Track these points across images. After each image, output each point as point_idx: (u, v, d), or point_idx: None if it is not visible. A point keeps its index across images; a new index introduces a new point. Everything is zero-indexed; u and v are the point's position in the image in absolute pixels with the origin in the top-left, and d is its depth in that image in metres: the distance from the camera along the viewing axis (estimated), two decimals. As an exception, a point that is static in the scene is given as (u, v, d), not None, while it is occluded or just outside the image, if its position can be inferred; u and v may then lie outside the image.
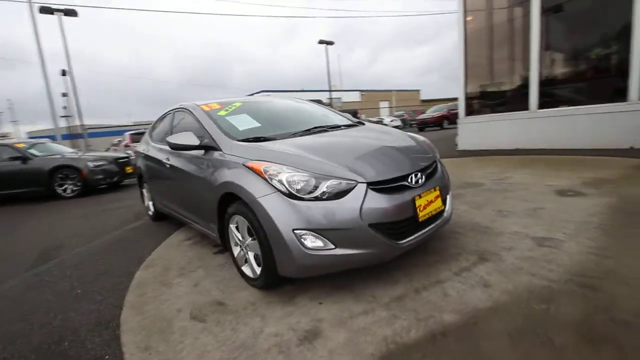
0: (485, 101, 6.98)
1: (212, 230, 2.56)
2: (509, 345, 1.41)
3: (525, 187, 3.75)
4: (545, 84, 5.88)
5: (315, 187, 1.82)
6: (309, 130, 2.62)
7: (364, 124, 3.05)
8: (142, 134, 11.84)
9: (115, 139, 15.49)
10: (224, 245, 2.47)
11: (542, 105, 5.96)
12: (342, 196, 1.81)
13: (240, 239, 2.20)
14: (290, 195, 1.82)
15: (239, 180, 2.02)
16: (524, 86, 6.08)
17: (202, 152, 2.54)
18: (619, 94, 5.01)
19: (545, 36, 5.69)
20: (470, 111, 7.10)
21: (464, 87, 6.96)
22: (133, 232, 3.88)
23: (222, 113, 2.80)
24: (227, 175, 2.15)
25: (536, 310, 1.61)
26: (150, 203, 4.16)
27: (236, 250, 2.32)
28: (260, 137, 2.39)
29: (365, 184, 1.85)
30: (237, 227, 2.23)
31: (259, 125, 2.68)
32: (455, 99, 7.91)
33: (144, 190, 4.30)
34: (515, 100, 6.39)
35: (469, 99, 7.04)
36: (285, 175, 1.86)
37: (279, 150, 2.11)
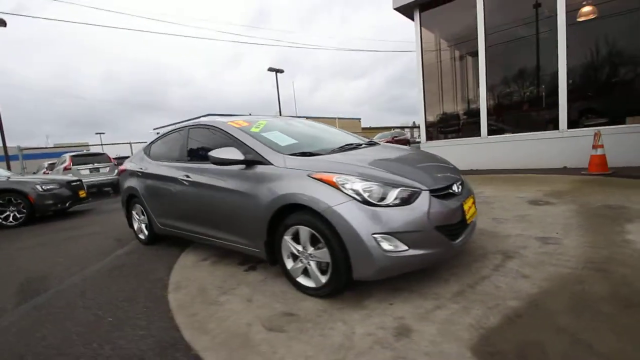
0: (443, 129, 7.89)
1: (254, 246, 2.55)
2: (574, 317, 1.71)
3: (500, 199, 4.36)
4: (493, 114, 6.92)
5: (385, 195, 2.01)
6: (342, 147, 2.82)
7: (378, 143, 3.34)
8: (86, 155, 10.76)
9: (45, 162, 13.66)
10: (270, 259, 2.47)
11: (491, 132, 6.97)
12: (411, 202, 2.02)
13: (300, 250, 2.25)
14: (366, 203, 1.97)
15: (308, 191, 2.11)
16: (476, 116, 7.07)
17: (240, 167, 2.56)
18: (552, 124, 6.14)
19: (491, 75, 6.76)
20: (430, 137, 7.94)
21: (424, 117, 7.80)
22: (129, 257, 3.55)
23: (255, 130, 2.86)
24: (288, 187, 2.22)
25: (576, 290, 1.96)
26: (144, 225, 3.87)
27: (289, 263, 2.35)
28: (306, 152, 2.52)
29: (428, 192, 2.09)
30: (292, 239, 2.28)
31: (296, 141, 2.80)
32: (390, 128, 8.77)
33: (135, 212, 3.99)
34: (468, 128, 7.36)
35: (428, 127, 7.89)
36: (360, 185, 2.02)
37: (340, 162, 2.27)
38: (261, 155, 2.49)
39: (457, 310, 1.89)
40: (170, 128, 3.74)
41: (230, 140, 2.74)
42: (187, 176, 3.04)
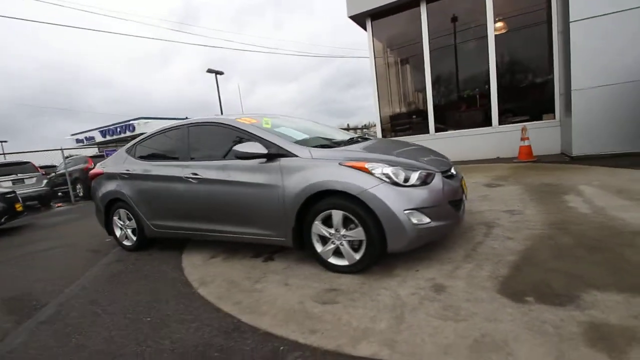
0: (396, 127, 8.64)
1: (279, 235, 2.69)
2: (560, 261, 2.24)
3: (460, 185, 5.06)
4: (438, 114, 7.83)
5: (408, 177, 2.35)
6: (351, 140, 3.11)
7: (372, 138, 3.69)
8: (7, 164, 9.27)
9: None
10: (298, 245, 2.64)
11: (437, 129, 7.88)
12: (429, 182, 2.39)
13: (331, 232, 2.46)
14: (394, 184, 2.29)
15: (342, 178, 2.34)
16: (424, 116, 7.92)
17: (260, 160, 2.68)
18: (487, 121, 7.22)
19: (435, 79, 7.66)
20: (384, 135, 8.63)
21: (379, 116, 8.46)
22: (122, 264, 3.35)
23: (267, 126, 2.99)
24: (320, 176, 2.42)
25: (551, 244, 2.53)
26: (130, 231, 3.67)
27: (319, 247, 2.55)
28: (324, 145, 2.75)
29: (440, 173, 2.49)
30: (322, 223, 2.49)
31: (307, 136, 3.00)
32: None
33: (116, 218, 3.74)
34: (418, 125, 8.20)
35: (383, 124, 8.58)
36: (389, 169, 2.32)
37: (361, 152, 2.55)
38: (284, 149, 2.64)
39: (472, 268, 2.31)
40: (157, 128, 3.62)
41: (246, 136, 2.82)
42: (195, 174, 3.03)
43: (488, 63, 6.89)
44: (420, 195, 2.30)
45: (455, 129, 7.70)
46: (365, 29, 8.07)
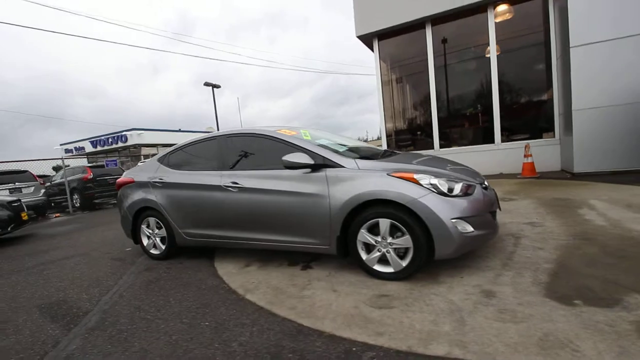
0: (400, 142, 8.89)
1: (322, 243, 2.77)
2: (593, 268, 2.39)
3: (472, 199, 5.25)
4: (443, 130, 8.12)
5: (452, 188, 2.49)
6: (385, 152, 3.26)
7: (398, 152, 3.85)
8: (4, 173, 9.05)
9: None
10: (341, 253, 2.73)
11: (442, 146, 8.16)
12: (470, 194, 2.53)
13: (377, 240, 2.56)
14: (441, 194, 2.42)
15: (393, 187, 2.46)
16: (429, 132, 8.20)
17: (304, 171, 2.79)
18: (490, 138, 7.53)
19: (440, 98, 7.98)
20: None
21: (385, 132, 8.70)
22: (155, 272, 3.35)
23: (307, 138, 3.11)
24: (369, 185, 2.54)
25: (580, 253, 2.69)
26: (158, 239, 3.68)
27: (364, 254, 2.64)
28: (365, 157, 2.89)
29: (479, 185, 2.64)
30: (368, 231, 2.59)
31: (346, 148, 3.14)
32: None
33: (144, 227, 3.75)
34: (423, 141, 8.47)
35: (388, 140, 8.82)
36: (436, 180, 2.46)
37: (403, 163, 2.69)
38: (330, 160, 2.76)
39: (514, 275, 2.43)
40: (190, 139, 3.70)
41: (290, 147, 2.93)
42: (235, 183, 3.10)
43: (491, 83, 7.26)
44: (464, 205, 2.44)
45: (458, 146, 7.98)
46: (371, 48, 8.40)
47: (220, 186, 3.19)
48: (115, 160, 10.86)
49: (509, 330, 1.80)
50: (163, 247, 3.67)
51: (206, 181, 3.29)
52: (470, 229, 2.43)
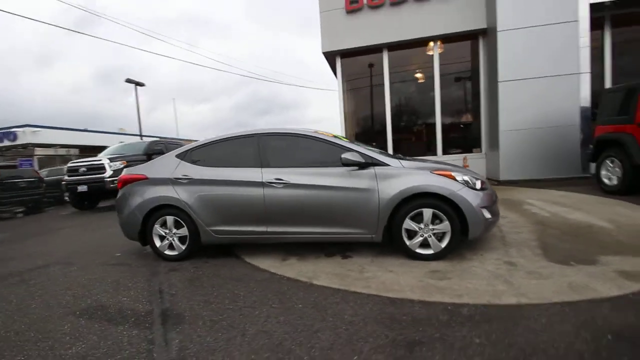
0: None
1: (369, 232, 3.13)
2: (560, 240, 3.29)
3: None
4: (395, 143, 9.16)
5: (475, 183, 3.15)
6: (403, 158, 3.80)
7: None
8: None
9: None
10: (386, 241, 3.13)
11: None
12: (486, 188, 3.23)
13: (421, 226, 3.05)
14: (471, 188, 3.05)
15: (436, 182, 3.00)
16: (384, 143, 9.14)
17: (351, 168, 3.14)
18: (433, 151, 8.81)
19: (393, 115, 9.03)
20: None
21: (342, 141, 9.36)
22: (186, 272, 3.21)
23: (345, 139, 3.47)
24: (416, 181, 3.02)
25: (550, 233, 3.62)
26: (177, 239, 3.53)
27: (407, 240, 3.09)
28: (400, 157, 3.38)
29: (488, 181, 3.37)
30: (411, 219, 3.06)
31: (378, 150, 3.58)
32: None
33: (158, 226, 3.53)
34: (376, 151, 9.38)
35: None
36: (467, 177, 3.09)
37: (434, 163, 3.26)
38: (377, 159, 3.17)
39: (517, 251, 3.18)
40: (217, 136, 3.67)
41: (337, 148, 3.24)
42: (279, 179, 3.25)
43: (434, 104, 8.58)
44: (485, 196, 3.11)
45: (408, 156, 9.10)
46: (334, 64, 9.08)
47: (262, 182, 3.28)
48: (30, 160, 9.12)
49: (545, 283, 2.46)
50: (183, 247, 3.51)
51: (246, 177, 3.34)
52: (489, 215, 3.10)
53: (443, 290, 2.48)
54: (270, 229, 3.33)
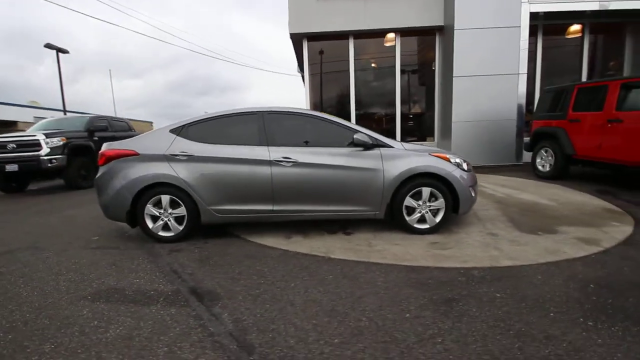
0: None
1: (372, 209, 3.36)
2: (519, 214, 3.91)
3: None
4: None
5: (463, 164, 3.54)
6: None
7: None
8: None
9: None
10: (389, 217, 3.38)
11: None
12: (471, 170, 3.65)
13: (419, 203, 3.35)
14: (462, 169, 3.44)
15: (434, 163, 3.31)
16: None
17: (357, 149, 3.31)
18: (393, 137, 9.34)
19: (358, 100, 9.33)
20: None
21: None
22: (190, 253, 3.09)
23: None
24: (418, 162, 3.30)
25: (511, 210, 4.24)
26: (173, 219, 3.35)
27: (407, 216, 3.38)
28: (399, 141, 3.63)
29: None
30: (411, 197, 3.35)
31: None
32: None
33: (151, 206, 3.30)
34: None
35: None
36: (458, 159, 3.46)
37: (430, 147, 3.57)
38: (381, 141, 3.38)
39: (492, 224, 3.68)
40: (217, 112, 3.51)
41: (343, 129, 3.39)
42: (287, 157, 3.26)
43: (395, 94, 9.09)
44: (471, 176, 3.53)
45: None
46: (300, 46, 8.99)
47: (270, 160, 3.26)
48: None
49: (526, 248, 2.95)
50: (180, 227, 3.34)
51: (252, 155, 3.28)
52: (474, 193, 3.54)
53: (449, 257, 2.81)
54: (276, 207, 3.34)
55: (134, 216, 3.37)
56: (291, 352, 1.63)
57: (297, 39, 8.86)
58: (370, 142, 3.29)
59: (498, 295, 2.16)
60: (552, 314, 1.92)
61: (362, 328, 1.82)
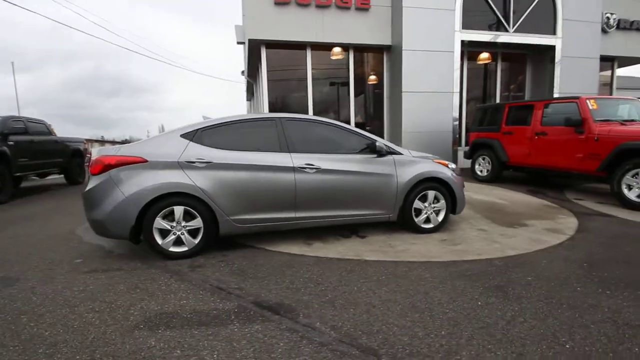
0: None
1: (387, 213, 3.59)
2: (498, 215, 4.60)
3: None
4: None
5: (456, 170, 4.01)
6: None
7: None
8: None
9: None
10: (400, 220, 3.64)
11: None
12: (460, 174, 4.15)
13: (425, 205, 3.69)
14: (456, 174, 3.90)
15: (437, 169, 3.69)
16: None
17: (371, 155, 3.52)
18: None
19: (316, 108, 9.53)
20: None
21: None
22: (215, 268, 2.85)
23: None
24: (425, 168, 3.64)
25: (486, 208, 4.92)
26: (187, 233, 3.04)
27: (415, 218, 3.68)
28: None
29: (455, 170, 4.32)
30: (419, 199, 3.67)
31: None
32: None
33: (160, 219, 2.95)
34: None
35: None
36: (452, 165, 3.91)
37: (429, 153, 3.97)
38: (392, 149, 3.63)
39: (474, 222, 4.25)
40: (229, 116, 3.32)
41: (354, 135, 3.60)
42: (310, 164, 3.27)
43: (349, 105, 9.58)
44: (462, 180, 4.03)
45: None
46: (257, 52, 8.84)
47: (294, 167, 3.23)
48: None
49: (516, 240, 3.50)
50: (195, 241, 3.04)
51: (275, 162, 3.19)
52: (465, 192, 4.04)
53: (466, 252, 3.18)
54: (298, 214, 3.31)
55: (138, 232, 2.96)
56: (414, 349, 1.72)
57: (253, 45, 8.70)
58: (386, 149, 3.52)
59: (530, 279, 2.56)
60: (578, 289, 2.38)
61: (454, 319, 2.00)
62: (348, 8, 8.66)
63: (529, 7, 9.42)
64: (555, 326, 1.91)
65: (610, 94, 12.16)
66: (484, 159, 7.50)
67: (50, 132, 8.40)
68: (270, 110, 9.19)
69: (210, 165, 3.05)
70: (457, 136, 9.64)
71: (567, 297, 2.26)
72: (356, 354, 1.68)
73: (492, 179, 7.25)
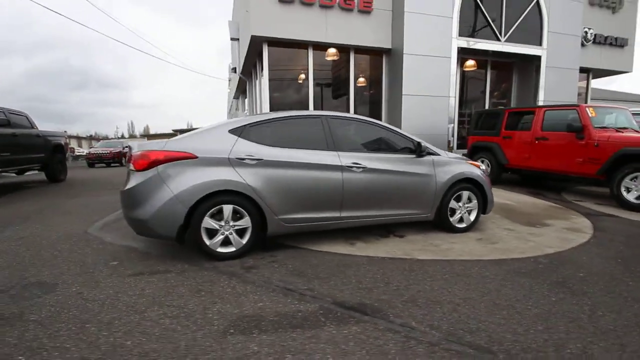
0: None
1: (426, 212, 3.64)
2: (514, 215, 4.79)
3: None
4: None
5: (485, 171, 4.14)
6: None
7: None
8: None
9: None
10: (437, 220, 3.69)
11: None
12: (487, 175, 4.28)
13: (460, 205, 3.77)
14: (485, 174, 4.01)
15: (471, 170, 3.79)
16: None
17: (411, 155, 3.56)
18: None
19: (316, 106, 9.47)
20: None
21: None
22: (277, 266, 2.72)
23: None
24: (461, 169, 3.72)
25: (495, 209, 5.10)
26: (234, 233, 2.92)
27: (450, 217, 3.75)
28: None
29: (479, 171, 4.46)
30: (454, 200, 3.74)
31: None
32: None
33: (209, 218, 2.80)
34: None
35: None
36: (483, 166, 4.02)
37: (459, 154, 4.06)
38: (432, 149, 3.68)
39: (499, 222, 4.40)
40: (276, 112, 3.25)
41: (395, 135, 3.62)
42: (357, 163, 3.24)
43: (349, 105, 9.62)
44: (490, 181, 4.15)
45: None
46: (257, 50, 8.65)
47: (342, 166, 3.19)
48: None
49: (546, 238, 3.66)
50: (243, 241, 2.91)
51: (324, 160, 3.13)
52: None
53: (507, 250, 3.28)
54: (344, 213, 3.27)
55: (185, 232, 2.80)
56: (523, 345, 1.74)
57: (256, 42, 8.52)
58: (427, 150, 3.56)
59: (581, 275, 2.68)
60: (630, 283, 2.53)
61: (541, 314, 2.05)
62: (351, 10, 8.71)
63: (519, 18, 9.93)
64: (632, 318, 2.01)
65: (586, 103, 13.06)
66: (482, 162, 7.78)
67: (31, 124, 7.76)
68: (270, 109, 9.04)
69: (260, 163, 2.95)
70: (451, 139, 9.96)
71: (627, 290, 2.39)
72: (472, 352, 1.68)
73: (493, 181, 7.52)
